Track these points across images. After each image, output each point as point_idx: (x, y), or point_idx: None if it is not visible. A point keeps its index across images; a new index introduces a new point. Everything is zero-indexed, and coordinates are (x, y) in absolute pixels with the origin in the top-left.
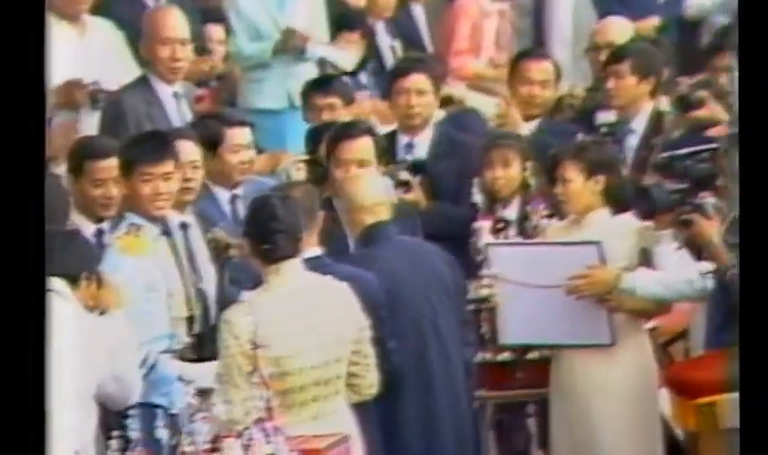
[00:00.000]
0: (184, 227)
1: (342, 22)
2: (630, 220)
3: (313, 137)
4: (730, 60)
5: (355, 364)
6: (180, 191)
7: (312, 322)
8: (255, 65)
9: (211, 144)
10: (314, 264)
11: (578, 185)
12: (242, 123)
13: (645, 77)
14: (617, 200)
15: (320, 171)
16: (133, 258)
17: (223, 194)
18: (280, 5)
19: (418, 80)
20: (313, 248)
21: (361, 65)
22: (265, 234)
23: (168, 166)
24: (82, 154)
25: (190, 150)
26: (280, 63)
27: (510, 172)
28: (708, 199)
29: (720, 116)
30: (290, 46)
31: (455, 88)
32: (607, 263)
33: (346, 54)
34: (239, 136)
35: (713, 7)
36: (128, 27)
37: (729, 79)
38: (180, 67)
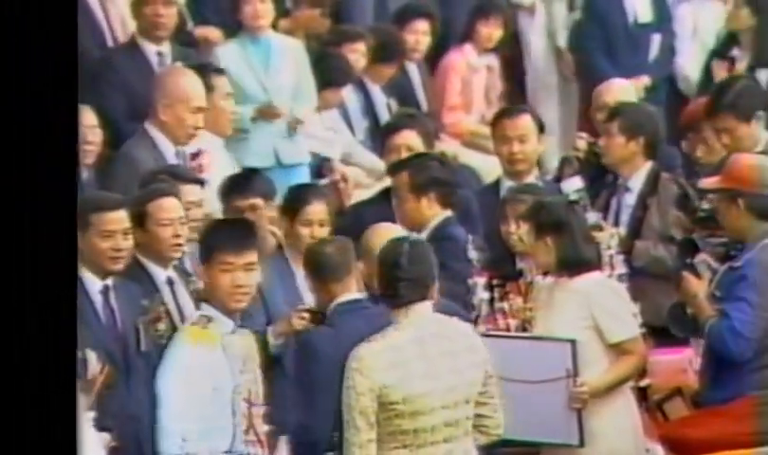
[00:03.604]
0: (170, 282)
1: (323, 82)
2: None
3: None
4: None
5: (482, 405)
6: (168, 248)
7: (442, 364)
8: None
9: None
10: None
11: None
12: (195, 181)
13: (633, 137)
14: (567, 263)
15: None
16: (196, 349)
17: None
18: (265, 67)
19: (409, 136)
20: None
21: None
22: (389, 281)
23: (251, 255)
24: (88, 208)
25: (174, 206)
26: (262, 126)
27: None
28: (701, 257)
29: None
30: (267, 120)
31: (449, 145)
32: (578, 362)
33: (333, 144)
34: (192, 193)
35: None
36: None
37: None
38: (190, 129)
